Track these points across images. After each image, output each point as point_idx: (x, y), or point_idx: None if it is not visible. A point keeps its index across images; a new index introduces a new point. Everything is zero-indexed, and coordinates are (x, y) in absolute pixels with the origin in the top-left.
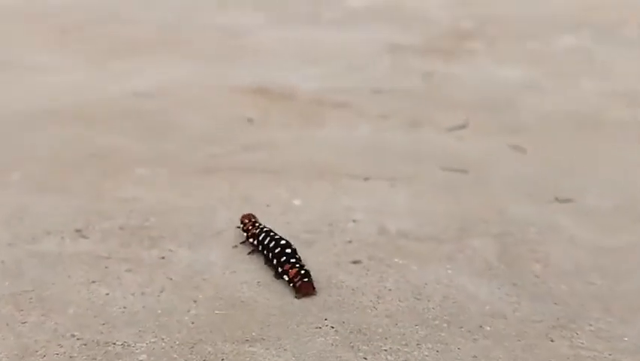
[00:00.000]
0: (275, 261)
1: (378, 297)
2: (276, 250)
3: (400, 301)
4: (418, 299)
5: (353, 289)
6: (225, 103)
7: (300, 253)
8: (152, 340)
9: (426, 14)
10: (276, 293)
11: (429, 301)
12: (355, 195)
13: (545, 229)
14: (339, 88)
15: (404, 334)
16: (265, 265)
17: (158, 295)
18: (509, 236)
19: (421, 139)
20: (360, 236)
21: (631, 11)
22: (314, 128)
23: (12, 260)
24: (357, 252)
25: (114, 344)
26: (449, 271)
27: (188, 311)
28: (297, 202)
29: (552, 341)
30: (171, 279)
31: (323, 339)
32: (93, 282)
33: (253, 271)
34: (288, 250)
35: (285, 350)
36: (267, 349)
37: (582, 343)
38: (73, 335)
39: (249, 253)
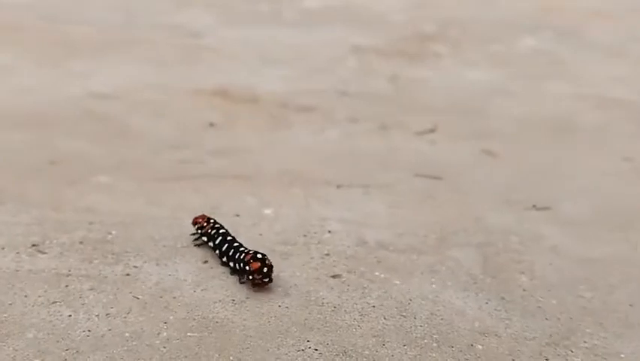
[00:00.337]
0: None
1: (361, 315)
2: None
3: (385, 318)
4: (404, 316)
5: (335, 307)
6: (187, 106)
7: (276, 267)
8: None
9: (385, 16)
10: (252, 313)
11: (415, 318)
12: (329, 203)
13: (526, 239)
14: (304, 90)
15: (392, 355)
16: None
17: (125, 317)
18: (490, 246)
19: (392, 144)
20: (337, 248)
21: (589, 13)
22: (281, 132)
23: None
24: (336, 265)
25: None
26: (433, 286)
27: (159, 334)
28: (268, 211)
29: (547, 360)
30: (138, 298)
31: None
32: (54, 302)
33: (226, 288)
34: (236, 244)
35: None
36: None
37: None
38: None
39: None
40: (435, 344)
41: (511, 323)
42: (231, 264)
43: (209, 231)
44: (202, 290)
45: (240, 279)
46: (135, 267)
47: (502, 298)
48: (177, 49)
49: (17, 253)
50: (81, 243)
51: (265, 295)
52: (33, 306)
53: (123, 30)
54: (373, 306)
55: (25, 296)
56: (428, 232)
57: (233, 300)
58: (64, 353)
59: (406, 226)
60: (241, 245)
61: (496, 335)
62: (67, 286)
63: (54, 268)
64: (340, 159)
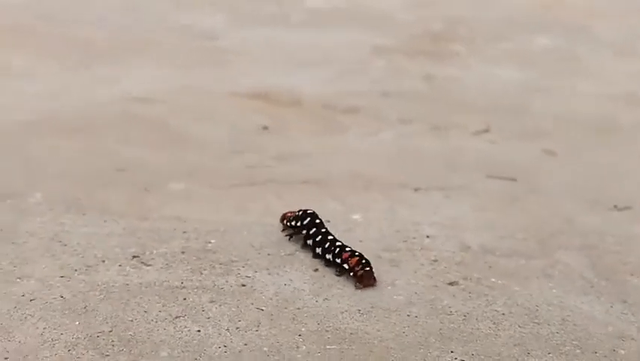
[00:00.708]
0: (330, 251)
1: (494, 323)
2: (328, 239)
3: (519, 326)
4: (538, 323)
5: (464, 315)
6: (232, 110)
7: (387, 273)
8: None
9: (392, 16)
10: (383, 323)
11: (549, 325)
12: (413, 207)
13: (623, 239)
14: (344, 92)
15: None
16: (326, 266)
17: (257, 330)
18: (592, 248)
19: (451, 144)
20: (443, 254)
21: (589, 10)
22: (335, 135)
23: (72, 295)
24: (448, 272)
25: None
26: (554, 291)
27: (297, 348)
28: (356, 217)
29: None
30: (262, 310)
31: None
32: (177, 317)
33: (347, 297)
34: (339, 243)
35: None
36: None
37: None
38: None
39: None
40: (578, 351)
41: None
42: (328, 256)
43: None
44: (324, 300)
45: (335, 271)
46: (248, 277)
47: (625, 302)
48: (197, 51)
49: (120, 265)
50: (183, 253)
51: (390, 304)
52: (157, 322)
53: (135, 32)
54: (503, 314)
55: (145, 312)
56: (526, 235)
57: (359, 310)
58: None
59: (501, 229)
60: (337, 240)
61: (632, 338)
62: (185, 299)
63: (165, 280)
64: (404, 161)
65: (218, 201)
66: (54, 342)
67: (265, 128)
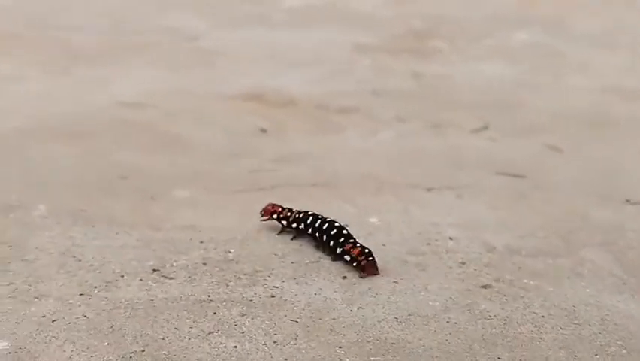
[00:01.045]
0: (332, 242)
1: (535, 326)
2: (332, 232)
3: (561, 328)
4: (578, 325)
5: (504, 319)
6: (226, 112)
7: (417, 278)
8: None
9: (370, 14)
10: (423, 331)
11: (590, 325)
12: (428, 208)
13: None
14: (335, 92)
15: None
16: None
17: (295, 344)
18: (614, 244)
19: (452, 142)
20: (470, 256)
21: (561, 2)
22: (333, 135)
23: (96, 314)
24: (479, 275)
25: None
26: (587, 290)
27: None
28: (373, 220)
29: None
30: (297, 322)
31: None
32: (210, 333)
33: (381, 305)
34: (345, 232)
35: None
36: None
37: None
38: None
39: (293, 238)
40: (624, 351)
41: None
42: (332, 243)
43: (297, 215)
44: (358, 309)
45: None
46: (276, 287)
47: None
48: (184, 53)
49: (141, 280)
50: (204, 264)
51: (427, 311)
52: (190, 339)
53: (120, 35)
54: (542, 316)
55: (176, 329)
56: (546, 233)
57: (396, 318)
58: None
59: (521, 228)
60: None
61: None
62: (214, 313)
63: (190, 294)
64: (409, 161)
65: (228, 208)
66: None
67: (263, 130)
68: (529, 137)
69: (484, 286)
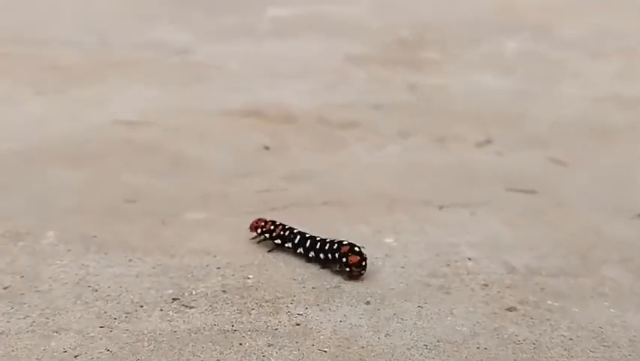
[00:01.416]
0: (323, 248)
1: (565, 349)
2: (318, 240)
3: (591, 351)
4: (607, 347)
5: (534, 343)
6: (227, 129)
7: (442, 302)
8: None
9: (357, 23)
10: (455, 358)
11: (619, 347)
12: (443, 227)
13: None
14: (334, 105)
15: None
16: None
17: None
18: (631, 261)
19: (457, 157)
20: (492, 278)
21: (544, 9)
22: (338, 151)
23: (119, 347)
24: (503, 297)
25: None
26: (612, 310)
27: None
28: (389, 240)
29: None
30: (326, 351)
31: None
32: None
33: (408, 331)
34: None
35: None
36: None
37: None
38: None
39: (270, 251)
40: None
41: None
42: (322, 256)
43: (282, 232)
44: (385, 336)
45: (333, 268)
46: (300, 315)
47: None
48: (175, 68)
49: (161, 310)
50: (224, 292)
51: (455, 337)
52: None
53: (106, 51)
54: (571, 339)
55: None
56: (564, 251)
57: (426, 345)
58: None
59: (539, 247)
60: (327, 238)
61: None
62: (240, 344)
63: (214, 324)
64: (417, 177)
65: (241, 231)
66: None
67: (267, 148)
68: (533, 149)
69: (510, 309)
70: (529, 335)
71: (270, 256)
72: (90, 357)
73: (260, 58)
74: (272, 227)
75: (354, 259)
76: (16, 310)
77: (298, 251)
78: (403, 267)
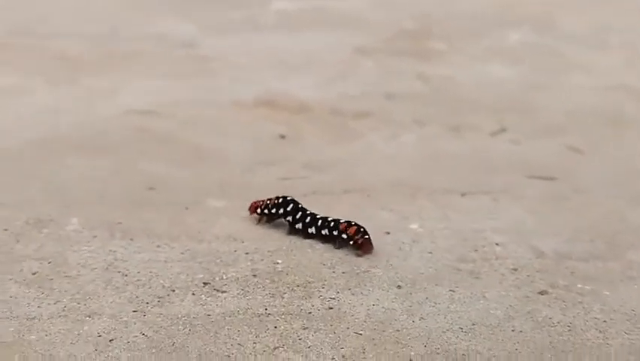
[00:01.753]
0: (325, 227)
1: (600, 331)
2: (318, 217)
3: (626, 333)
4: None
5: (568, 326)
6: (241, 119)
7: (473, 286)
8: None
9: (361, 16)
10: (491, 340)
11: None
12: (467, 213)
13: None
14: (346, 95)
15: None
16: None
17: (364, 358)
18: None
19: (474, 146)
20: (521, 262)
21: (544, 2)
22: (354, 140)
23: (154, 331)
24: (533, 281)
25: None
26: None
27: None
28: (414, 226)
29: None
30: (361, 334)
31: None
32: (276, 348)
33: (443, 314)
34: (331, 217)
35: None
36: None
37: None
38: None
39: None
40: None
41: None
42: (324, 232)
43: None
44: (420, 319)
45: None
46: (332, 298)
47: None
48: (183, 60)
49: (193, 294)
50: (254, 276)
51: (490, 320)
52: (256, 355)
53: (113, 42)
54: (605, 321)
55: (240, 345)
56: (591, 236)
57: (461, 328)
58: None
59: (564, 232)
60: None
61: None
62: (275, 327)
63: (247, 307)
64: (436, 165)
65: None
66: None
67: (282, 137)
68: (548, 138)
69: (541, 293)
70: (563, 317)
71: (297, 241)
72: (126, 341)
73: (266, 50)
74: (268, 201)
75: (352, 229)
76: (47, 295)
77: (297, 227)
78: (430, 252)
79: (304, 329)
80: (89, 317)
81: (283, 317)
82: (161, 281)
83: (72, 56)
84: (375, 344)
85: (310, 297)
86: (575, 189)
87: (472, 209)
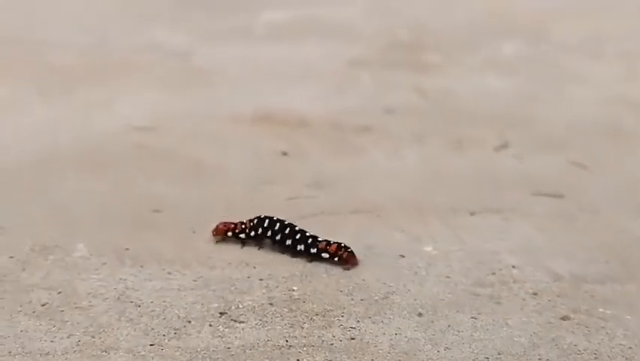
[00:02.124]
0: (303, 244)
1: (627, 359)
2: (297, 235)
3: None
4: None
5: (594, 354)
6: (241, 135)
7: (494, 313)
8: None
9: (353, 26)
10: None
11: None
12: (479, 234)
13: None
14: (345, 109)
15: None
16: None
17: None
18: None
19: (478, 161)
20: (540, 286)
21: (535, 12)
22: (357, 156)
23: None
24: (555, 306)
25: None
26: None
27: None
28: (428, 249)
29: None
30: None
31: None
32: None
33: (467, 344)
34: (308, 233)
35: None
36: None
37: None
38: None
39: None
40: None
41: None
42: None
43: (258, 229)
44: (445, 349)
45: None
46: (353, 328)
47: None
48: (177, 71)
49: (210, 325)
50: (271, 305)
51: (515, 348)
52: None
53: (105, 53)
54: (630, 348)
55: None
56: (606, 257)
57: (487, 358)
58: None
59: (579, 253)
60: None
61: None
62: (298, 360)
63: (267, 339)
64: (441, 182)
65: None
66: None
67: (284, 153)
68: (551, 153)
69: (563, 318)
70: (588, 344)
71: (310, 266)
72: None
73: (260, 61)
74: (242, 226)
75: (333, 247)
76: (59, 328)
77: (277, 238)
78: (448, 276)
79: None
80: (105, 351)
81: (305, 348)
82: (176, 311)
83: (64, 66)
84: None
85: (330, 326)
86: (583, 206)
87: (483, 229)
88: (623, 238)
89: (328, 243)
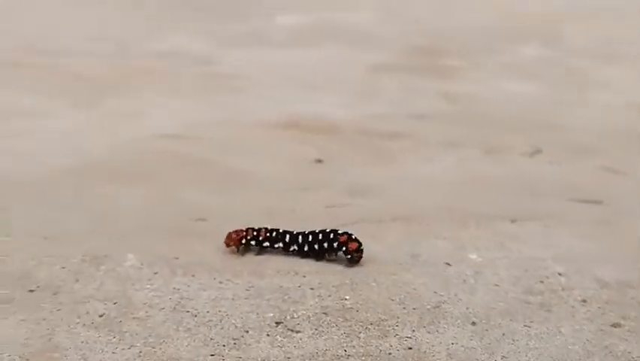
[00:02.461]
0: (316, 240)
1: None
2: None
3: None
4: None
5: None
6: (272, 142)
7: (547, 321)
8: None
9: (369, 31)
10: None
11: None
12: (522, 241)
13: None
14: (374, 116)
15: None
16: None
17: None
18: None
19: (513, 168)
20: (588, 293)
21: (548, 16)
22: (391, 163)
23: None
24: (604, 313)
25: None
26: None
27: None
28: (473, 257)
29: None
30: None
31: None
32: None
33: (522, 352)
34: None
35: None
36: None
37: None
38: None
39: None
40: None
41: None
42: (316, 246)
43: (270, 235)
44: (502, 359)
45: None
46: (409, 338)
47: None
48: (201, 78)
49: (268, 335)
50: (325, 314)
51: (570, 357)
52: None
53: (126, 60)
54: None
55: None
56: None
57: None
58: None
59: (623, 260)
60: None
61: None
62: None
63: (326, 349)
64: (478, 189)
65: None
66: None
67: (319, 161)
68: (584, 158)
69: (614, 325)
70: None
71: (360, 274)
72: None
73: (281, 67)
74: (254, 233)
75: (353, 245)
76: (119, 339)
77: (292, 249)
78: (497, 285)
79: None
80: None
81: (363, 358)
82: (233, 321)
83: (89, 75)
84: None
85: (386, 336)
86: (621, 212)
87: (526, 236)
88: None
89: (350, 238)
